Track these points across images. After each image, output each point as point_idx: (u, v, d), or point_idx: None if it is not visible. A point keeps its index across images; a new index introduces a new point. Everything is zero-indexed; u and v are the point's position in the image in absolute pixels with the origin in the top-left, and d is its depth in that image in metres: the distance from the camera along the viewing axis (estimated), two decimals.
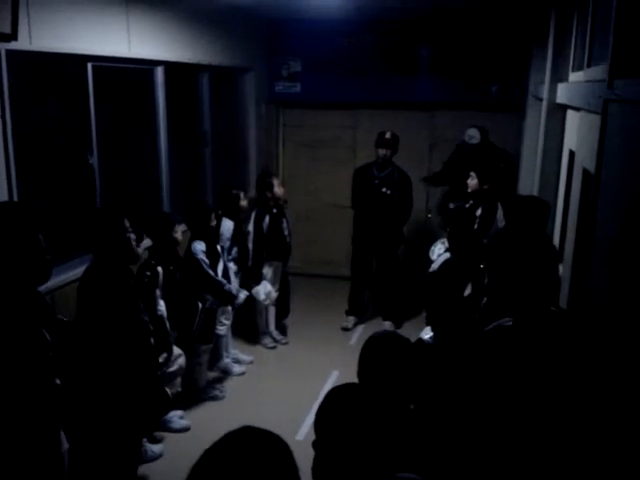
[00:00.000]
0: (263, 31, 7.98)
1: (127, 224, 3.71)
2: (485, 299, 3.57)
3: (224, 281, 5.24)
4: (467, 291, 4.43)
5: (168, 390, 4.58)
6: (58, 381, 3.03)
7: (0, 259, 2.76)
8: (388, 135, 6.56)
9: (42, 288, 3.58)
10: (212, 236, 5.28)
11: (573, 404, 2.44)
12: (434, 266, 5.12)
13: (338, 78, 7.98)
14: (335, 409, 1.92)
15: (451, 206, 6.38)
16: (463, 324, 3.27)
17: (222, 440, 1.48)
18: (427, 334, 3.63)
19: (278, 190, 6.14)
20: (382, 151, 6.56)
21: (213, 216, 5.26)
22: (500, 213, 5.27)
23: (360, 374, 2.52)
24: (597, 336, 2.67)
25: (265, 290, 6.04)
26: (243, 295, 5.69)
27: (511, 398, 2.44)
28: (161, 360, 4.26)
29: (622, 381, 2.23)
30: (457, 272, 4.42)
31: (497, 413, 2.47)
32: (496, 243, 3.29)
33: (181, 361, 4.70)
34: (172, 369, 4.59)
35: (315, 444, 1.89)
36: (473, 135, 6.70)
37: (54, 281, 4.22)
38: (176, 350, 4.61)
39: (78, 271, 3.96)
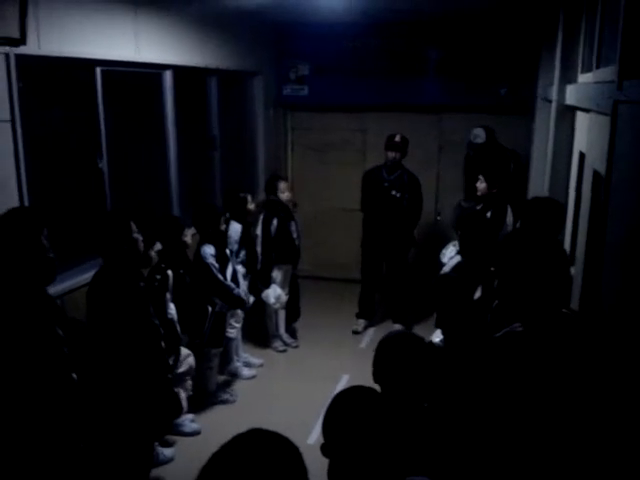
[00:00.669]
0: (271, 35, 7.99)
1: (134, 227, 3.73)
2: (497, 301, 3.55)
3: (233, 285, 5.24)
4: (477, 294, 4.41)
5: (182, 392, 4.60)
6: (75, 375, 3.07)
7: (4, 260, 2.80)
8: (397, 138, 6.55)
9: (52, 292, 3.61)
10: (221, 240, 5.28)
11: (584, 407, 2.43)
12: (446, 269, 5.10)
13: (346, 81, 7.98)
14: (342, 413, 1.92)
15: (463, 205, 6.35)
16: (473, 327, 3.26)
17: (231, 442, 1.47)
18: (437, 337, 3.63)
19: (283, 195, 6.15)
20: (392, 154, 6.55)
21: (223, 220, 5.27)
22: (510, 217, 5.25)
23: (375, 373, 2.50)
24: (608, 338, 2.65)
25: (275, 294, 6.03)
26: (251, 300, 5.67)
27: (522, 402, 2.43)
28: (170, 362, 4.27)
29: (633, 383, 2.21)
30: (468, 275, 4.41)
31: (508, 417, 2.46)
32: (506, 246, 3.28)
33: (190, 360, 4.71)
34: (182, 370, 4.61)
35: (323, 448, 1.89)
36: (478, 134, 6.69)
37: (64, 285, 4.25)
38: (184, 350, 4.63)
39: (88, 275, 3.97)
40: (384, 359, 2.50)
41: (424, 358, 2.48)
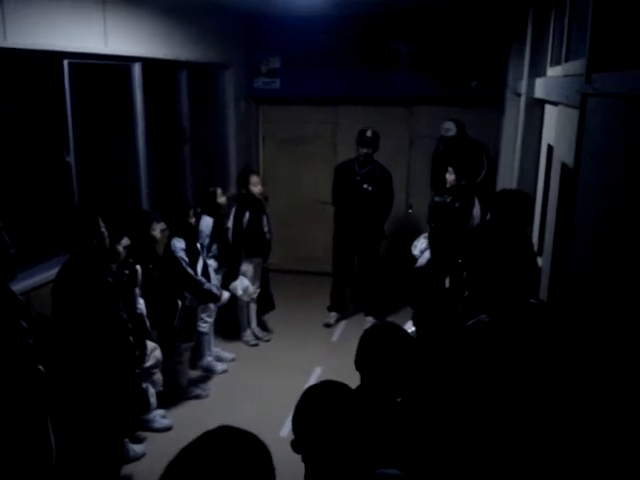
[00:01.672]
0: (242, 27, 7.93)
1: (101, 221, 3.68)
2: (467, 293, 3.58)
3: (203, 280, 5.20)
4: (446, 285, 4.45)
5: (151, 388, 4.56)
6: (41, 367, 3.03)
7: None
8: (369, 133, 6.55)
9: (18, 288, 3.55)
10: (191, 233, 5.24)
11: (552, 397, 2.46)
12: (421, 261, 5.12)
13: (317, 74, 7.96)
14: (311, 409, 1.91)
15: (437, 200, 6.39)
16: (444, 318, 3.28)
17: (198, 439, 1.47)
18: (409, 329, 3.64)
19: (254, 188, 6.12)
20: (363, 149, 6.54)
21: (192, 213, 5.21)
22: (477, 208, 5.28)
23: (358, 361, 2.48)
24: (576, 328, 2.69)
25: (242, 285, 6.00)
26: (226, 295, 5.64)
27: (491, 392, 2.46)
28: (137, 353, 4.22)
29: (600, 373, 2.25)
30: (436, 266, 4.44)
31: (478, 407, 2.49)
32: (474, 238, 3.31)
33: (157, 354, 4.65)
34: (149, 364, 4.55)
35: (294, 444, 1.88)
36: (449, 128, 6.73)
37: (30, 282, 4.19)
38: (150, 344, 4.57)
39: (55, 271, 3.91)
40: (368, 348, 2.49)
41: (408, 350, 2.48)
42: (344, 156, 7.12)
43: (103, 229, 3.69)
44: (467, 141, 6.79)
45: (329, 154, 8.12)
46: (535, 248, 4.89)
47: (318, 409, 1.90)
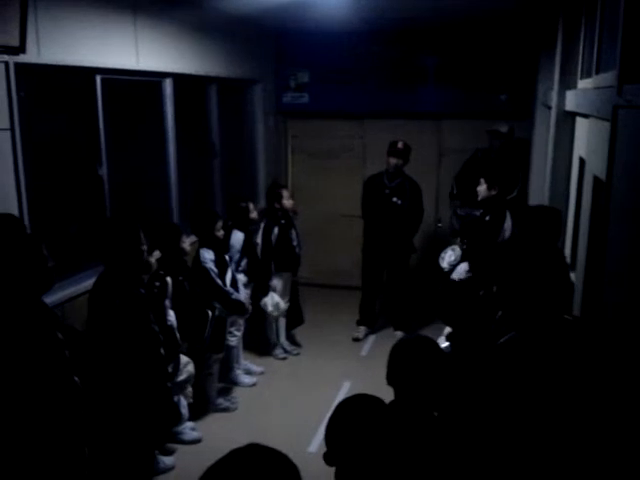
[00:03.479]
0: (271, 43, 8.01)
1: (142, 235, 3.74)
2: (500, 312, 3.55)
3: (232, 290, 5.23)
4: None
5: (183, 400, 4.58)
6: (77, 379, 3.06)
7: (3, 268, 2.79)
8: (400, 145, 6.54)
9: (53, 299, 3.59)
10: (220, 245, 5.28)
11: (587, 413, 2.42)
12: (455, 276, 5.07)
13: (346, 88, 7.99)
14: (345, 421, 1.90)
15: (460, 213, 6.34)
16: (479, 333, 3.24)
17: (226, 457, 1.44)
18: (442, 344, 3.61)
19: (287, 202, 6.14)
20: (394, 160, 6.54)
21: (219, 225, 5.24)
22: (508, 222, 5.22)
23: (390, 375, 2.44)
24: (610, 344, 2.64)
25: (272, 302, 6.03)
26: (250, 307, 5.65)
27: (524, 409, 2.42)
28: (170, 370, 4.25)
29: (636, 390, 2.20)
30: (473, 282, 4.40)
31: (512, 424, 2.45)
32: (504, 253, 3.28)
33: (190, 368, 4.69)
34: (182, 378, 4.58)
35: (326, 456, 1.87)
36: (502, 124, 6.68)
37: (64, 293, 4.24)
38: (183, 358, 4.60)
39: (88, 283, 3.96)
40: (399, 361, 2.44)
41: (440, 363, 2.44)
42: (372, 169, 7.12)
43: (144, 246, 3.75)
44: (509, 150, 6.72)
45: (357, 168, 8.13)
46: (568, 262, 4.83)
47: (352, 421, 1.89)
